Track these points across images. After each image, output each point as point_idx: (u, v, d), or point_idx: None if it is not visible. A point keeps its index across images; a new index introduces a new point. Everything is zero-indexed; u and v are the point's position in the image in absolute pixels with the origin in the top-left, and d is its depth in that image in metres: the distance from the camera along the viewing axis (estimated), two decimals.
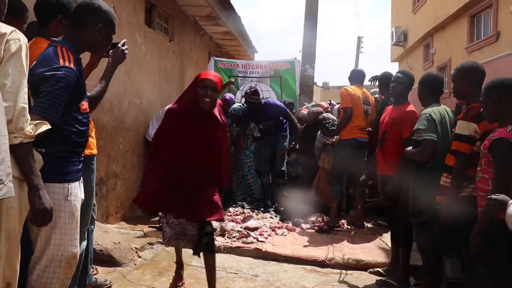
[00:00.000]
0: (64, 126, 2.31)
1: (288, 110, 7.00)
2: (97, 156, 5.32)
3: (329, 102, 8.12)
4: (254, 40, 12.83)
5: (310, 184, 6.71)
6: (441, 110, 3.76)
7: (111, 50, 2.95)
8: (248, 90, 7.01)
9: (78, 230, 2.41)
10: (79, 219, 2.41)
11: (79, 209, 2.41)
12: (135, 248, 4.80)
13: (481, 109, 3.19)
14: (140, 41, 6.72)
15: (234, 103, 7.48)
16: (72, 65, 2.28)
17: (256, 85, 8.10)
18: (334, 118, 6.72)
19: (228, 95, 7.65)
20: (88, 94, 2.77)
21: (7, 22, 2.20)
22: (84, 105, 2.44)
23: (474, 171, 3.06)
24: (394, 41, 17.77)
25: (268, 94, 8.79)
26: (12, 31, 1.99)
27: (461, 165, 3.25)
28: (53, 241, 2.29)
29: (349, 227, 6.17)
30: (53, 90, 2.19)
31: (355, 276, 4.59)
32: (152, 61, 7.22)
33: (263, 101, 6.95)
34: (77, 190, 2.39)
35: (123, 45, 2.94)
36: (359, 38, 29.52)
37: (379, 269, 4.64)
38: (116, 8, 5.84)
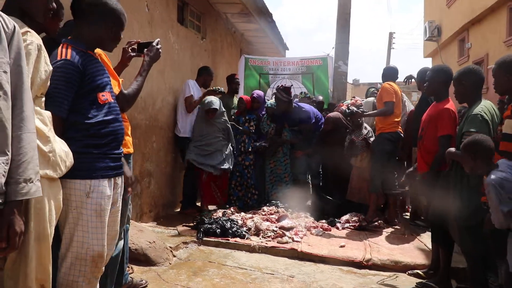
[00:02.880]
0: (80, 120, 2.29)
1: (311, 121, 6.76)
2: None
3: (353, 97, 8.05)
4: (283, 38, 12.66)
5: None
6: (489, 108, 3.59)
7: (146, 49, 2.96)
8: (280, 86, 6.91)
9: (105, 229, 2.36)
10: (106, 217, 2.36)
11: (107, 208, 2.36)
12: (170, 247, 4.78)
13: None
14: (173, 39, 6.70)
15: (264, 100, 7.37)
16: (68, 57, 2.27)
17: (292, 85, 7.88)
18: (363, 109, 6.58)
19: (256, 92, 7.52)
20: (125, 91, 2.78)
21: None
22: (105, 95, 2.40)
23: None
24: (428, 36, 17.37)
25: (300, 91, 8.66)
26: (23, 33, 1.95)
27: None
28: (76, 238, 2.26)
29: (385, 225, 6.04)
30: (51, 85, 2.17)
31: (393, 278, 4.46)
32: (184, 59, 7.20)
33: (294, 103, 6.84)
34: (103, 187, 2.33)
35: (157, 44, 2.98)
36: (391, 34, 28.97)
37: (418, 271, 4.50)
38: (149, 6, 5.83)
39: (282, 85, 6.93)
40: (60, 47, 2.34)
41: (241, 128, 7.02)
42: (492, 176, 2.90)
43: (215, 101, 6.50)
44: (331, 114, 6.81)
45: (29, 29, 1.99)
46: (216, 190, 6.81)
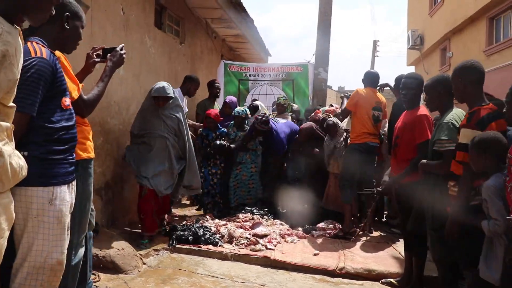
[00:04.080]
0: (45, 124, 2.23)
1: (283, 148, 6.74)
2: (103, 160, 5.29)
3: (330, 105, 8.04)
4: (270, 45, 12.65)
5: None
6: (460, 116, 3.56)
7: (109, 54, 2.93)
8: (259, 117, 6.61)
9: (65, 236, 2.30)
10: (66, 224, 2.31)
11: (67, 214, 2.32)
12: (140, 254, 4.68)
13: (485, 113, 3.04)
14: (150, 43, 6.62)
15: (236, 105, 7.26)
16: (44, 55, 2.19)
17: (269, 115, 7.39)
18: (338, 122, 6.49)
19: (229, 98, 7.42)
20: (85, 97, 2.73)
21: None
22: (67, 101, 2.36)
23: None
24: (410, 44, 17.57)
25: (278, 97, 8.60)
26: None
27: (468, 176, 3.09)
28: (35, 247, 2.19)
29: (362, 232, 6.01)
30: (24, 82, 2.07)
31: (366, 287, 4.41)
32: (162, 63, 7.11)
33: (271, 123, 6.66)
34: (64, 194, 2.29)
35: (121, 49, 2.99)
36: (375, 42, 29.21)
37: (392, 280, 4.46)
38: (124, 9, 5.75)
39: (261, 117, 6.60)
40: (29, 44, 2.22)
41: (217, 144, 6.56)
42: (492, 181, 2.81)
43: (168, 87, 5.24)
44: (304, 126, 6.75)
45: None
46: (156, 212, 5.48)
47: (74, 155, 2.46)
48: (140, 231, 5.43)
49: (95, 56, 3.15)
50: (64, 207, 2.29)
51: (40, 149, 2.21)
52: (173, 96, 5.27)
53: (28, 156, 2.10)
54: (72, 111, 2.42)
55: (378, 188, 4.63)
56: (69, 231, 2.42)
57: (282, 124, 6.90)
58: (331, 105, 7.93)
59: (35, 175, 2.12)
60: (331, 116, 6.61)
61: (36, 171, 2.13)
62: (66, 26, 2.48)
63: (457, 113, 3.60)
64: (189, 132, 5.61)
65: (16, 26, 1.91)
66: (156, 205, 5.38)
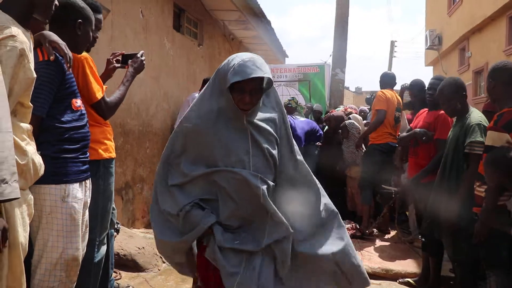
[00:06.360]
0: (56, 124, 2.31)
1: (300, 144, 6.43)
2: (123, 160, 5.39)
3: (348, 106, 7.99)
4: (287, 46, 12.68)
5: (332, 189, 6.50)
6: (483, 116, 3.55)
7: (130, 60, 3.02)
8: None
9: (79, 232, 2.37)
10: (80, 221, 2.38)
11: (80, 211, 2.38)
12: (160, 253, 4.75)
13: None
14: (168, 45, 6.72)
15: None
16: (51, 59, 2.26)
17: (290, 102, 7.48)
18: (358, 126, 6.43)
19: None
20: (107, 99, 2.79)
21: None
22: (78, 102, 2.43)
23: None
24: (428, 44, 17.38)
25: (297, 98, 8.65)
26: (7, 37, 1.90)
27: None
28: (50, 244, 2.26)
29: (378, 232, 6.02)
30: (35, 84, 2.14)
31: (384, 287, 4.42)
32: (180, 65, 7.21)
33: (289, 119, 6.59)
34: (76, 191, 2.35)
35: (141, 56, 3.09)
36: (392, 43, 29.01)
37: (409, 280, 4.46)
38: (143, 12, 5.85)
39: None
40: (38, 49, 2.29)
41: None
42: None
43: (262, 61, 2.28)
44: (335, 113, 6.83)
45: (15, 33, 1.90)
46: None
47: (88, 154, 2.53)
48: None
49: (115, 62, 3.24)
50: (77, 204, 2.35)
51: (52, 148, 2.29)
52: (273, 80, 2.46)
53: (41, 155, 2.17)
54: (84, 111, 2.49)
55: (395, 189, 4.63)
56: (87, 228, 2.50)
57: (301, 122, 6.92)
58: (344, 106, 7.94)
59: (48, 173, 2.19)
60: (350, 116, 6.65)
61: (49, 170, 2.19)
62: (78, 32, 2.56)
63: (480, 114, 3.59)
64: None
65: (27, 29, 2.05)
66: None
